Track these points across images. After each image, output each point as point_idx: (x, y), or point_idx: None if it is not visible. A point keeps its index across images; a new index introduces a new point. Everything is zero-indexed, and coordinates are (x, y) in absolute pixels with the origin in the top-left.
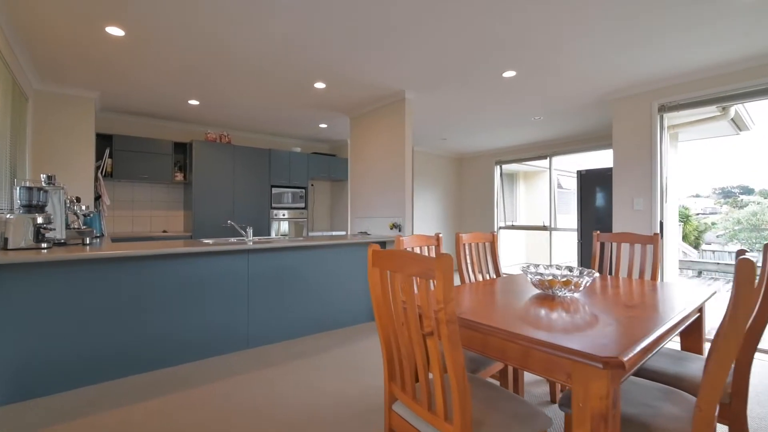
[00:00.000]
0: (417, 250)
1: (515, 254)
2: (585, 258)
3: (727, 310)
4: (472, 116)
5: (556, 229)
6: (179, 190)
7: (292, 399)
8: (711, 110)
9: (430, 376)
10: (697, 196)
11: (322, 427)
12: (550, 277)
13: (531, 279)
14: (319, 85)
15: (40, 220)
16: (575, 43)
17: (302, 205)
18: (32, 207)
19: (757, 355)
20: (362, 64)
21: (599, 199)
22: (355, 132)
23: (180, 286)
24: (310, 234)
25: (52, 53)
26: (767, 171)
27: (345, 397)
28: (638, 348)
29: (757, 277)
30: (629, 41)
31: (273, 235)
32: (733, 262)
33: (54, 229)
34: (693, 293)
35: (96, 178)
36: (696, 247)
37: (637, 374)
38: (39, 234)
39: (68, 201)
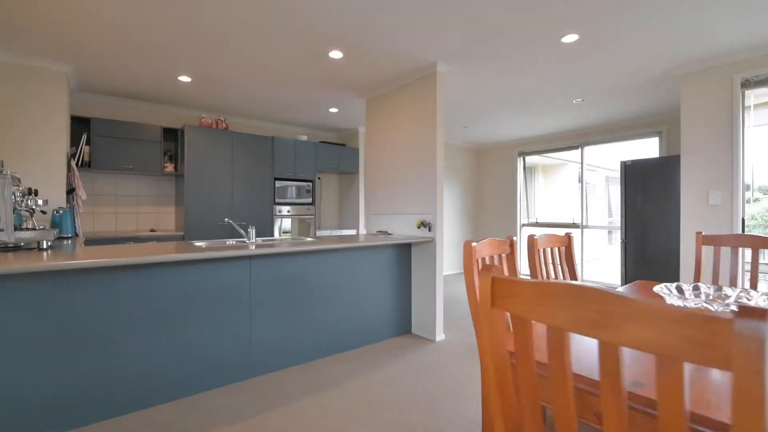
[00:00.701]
0: (489, 260)
1: None
2: (630, 261)
3: None
4: (507, 98)
5: (587, 227)
6: (169, 182)
7: None
8: None
9: None
10: None
11: None
12: (723, 308)
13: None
14: (335, 54)
15: None
16: None
17: (309, 200)
18: None
19: None
20: (388, 27)
21: (646, 194)
22: (372, 116)
23: (165, 303)
24: (318, 233)
25: (9, 12)
26: None
27: None
28: None
29: None
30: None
31: (276, 234)
32: None
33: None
34: None
35: (69, 168)
36: None
37: None
38: None
39: (20, 193)
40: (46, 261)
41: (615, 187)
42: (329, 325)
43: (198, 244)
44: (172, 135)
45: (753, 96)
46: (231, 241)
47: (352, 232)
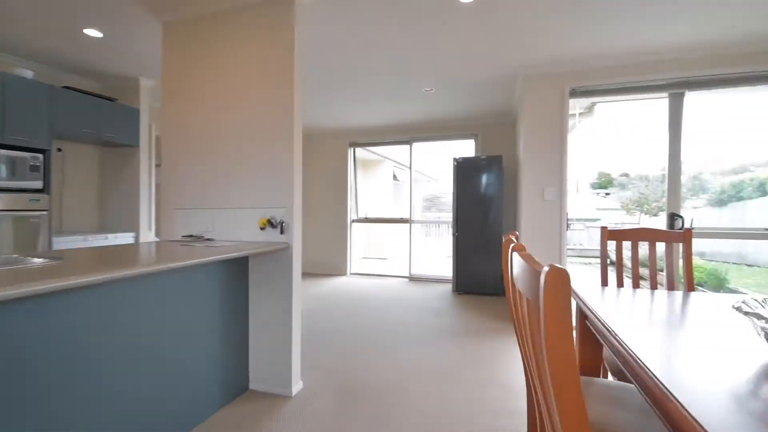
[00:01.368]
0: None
1: (358, 249)
2: (461, 254)
3: None
4: (360, 69)
5: (415, 221)
6: None
7: None
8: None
9: None
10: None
11: None
12: None
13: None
14: None
15: None
16: None
17: (37, 184)
18: None
19: None
20: None
21: (476, 190)
22: (174, 52)
23: None
24: (57, 242)
25: None
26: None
27: None
28: None
29: None
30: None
31: None
32: None
33: None
34: None
35: None
36: None
37: None
38: None
39: None
40: None
41: (428, 184)
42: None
43: None
44: None
45: (578, 104)
46: None
47: (128, 238)
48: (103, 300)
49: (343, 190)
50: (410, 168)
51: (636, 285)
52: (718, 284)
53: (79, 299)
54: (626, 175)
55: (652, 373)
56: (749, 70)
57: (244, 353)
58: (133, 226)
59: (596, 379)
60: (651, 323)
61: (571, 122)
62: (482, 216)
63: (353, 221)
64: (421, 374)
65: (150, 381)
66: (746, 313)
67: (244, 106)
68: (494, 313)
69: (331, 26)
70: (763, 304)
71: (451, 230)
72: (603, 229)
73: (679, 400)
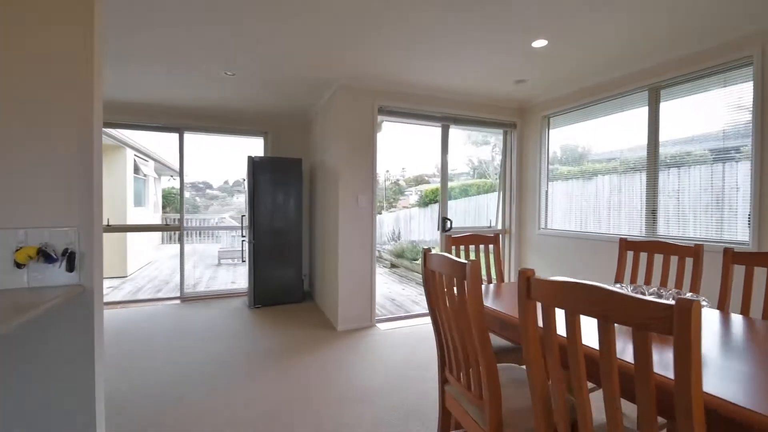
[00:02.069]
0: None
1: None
2: (259, 264)
3: None
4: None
5: (189, 228)
6: None
7: None
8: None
9: None
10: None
11: None
12: None
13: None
14: None
15: None
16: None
17: None
18: None
19: None
20: None
21: (275, 193)
22: None
23: None
24: None
25: None
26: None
27: None
28: None
29: None
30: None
31: None
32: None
33: None
34: None
35: None
36: None
37: None
38: None
39: None
40: None
41: (166, 182)
42: None
43: None
44: None
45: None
46: None
47: None
48: None
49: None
50: (181, 162)
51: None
52: None
53: None
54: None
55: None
56: (490, 116)
57: None
58: None
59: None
60: None
61: None
62: (282, 221)
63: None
64: (251, 423)
65: None
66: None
67: None
68: (303, 321)
69: None
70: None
71: (244, 236)
72: (622, 240)
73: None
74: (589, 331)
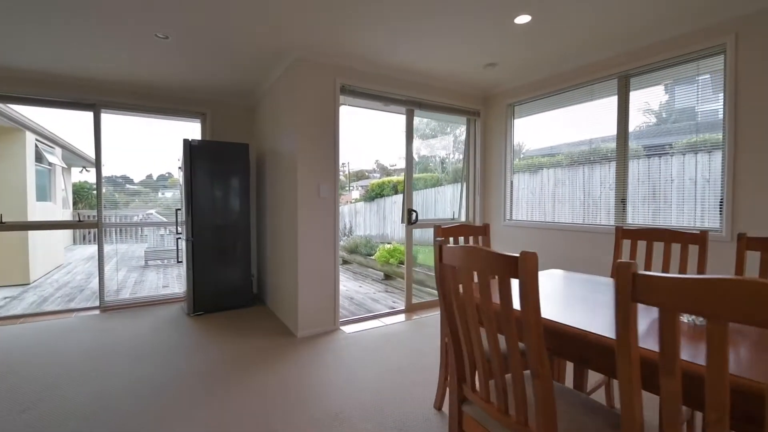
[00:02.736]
0: None
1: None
2: (200, 265)
3: None
4: None
5: (109, 225)
6: None
7: None
8: None
9: None
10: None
11: None
12: None
13: None
14: None
15: None
16: None
17: None
18: None
19: None
20: None
21: (217, 184)
22: None
23: None
24: None
25: None
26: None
27: None
28: None
29: None
30: None
31: None
32: None
33: None
34: None
35: None
36: None
37: None
38: None
39: None
40: None
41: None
42: None
43: None
44: None
45: (347, 101)
46: None
47: None
48: None
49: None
50: (97, 145)
51: None
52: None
53: None
54: None
55: None
56: (454, 103)
57: None
58: None
59: None
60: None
61: None
62: (226, 215)
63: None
64: None
65: None
66: None
67: None
68: (256, 329)
69: None
70: None
71: (179, 234)
72: (618, 228)
73: None
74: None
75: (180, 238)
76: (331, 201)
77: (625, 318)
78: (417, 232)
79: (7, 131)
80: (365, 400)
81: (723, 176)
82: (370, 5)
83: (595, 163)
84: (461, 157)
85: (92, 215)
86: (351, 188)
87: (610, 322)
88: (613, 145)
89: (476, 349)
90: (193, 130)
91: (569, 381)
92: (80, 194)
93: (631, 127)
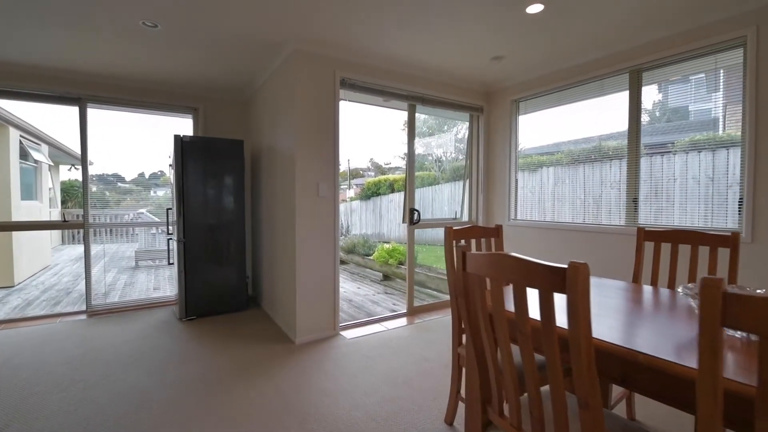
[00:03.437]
0: None
1: None
2: (192, 267)
3: None
4: None
5: (96, 225)
6: None
7: None
8: None
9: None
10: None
11: None
12: None
13: None
14: None
15: None
16: None
17: None
18: None
19: None
20: None
21: (211, 182)
22: None
23: None
24: None
25: None
26: None
27: None
28: None
29: None
30: None
31: None
32: None
33: None
34: None
35: None
36: None
37: None
38: None
39: None
40: None
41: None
42: None
43: None
44: None
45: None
46: None
47: None
48: None
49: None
50: (83, 142)
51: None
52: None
53: None
54: None
55: None
56: (457, 98)
57: None
58: None
59: None
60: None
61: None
62: (220, 215)
63: None
64: None
65: None
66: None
67: None
68: (251, 335)
69: None
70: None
71: (170, 234)
72: (640, 229)
73: None
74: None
75: (171, 238)
76: (330, 200)
77: (711, 347)
78: (416, 231)
79: None
80: (370, 412)
81: (742, 174)
82: None
83: (604, 161)
84: (460, 155)
85: (80, 215)
86: (347, 186)
87: (648, 336)
88: (622, 142)
89: (507, 370)
90: (184, 125)
91: None
92: (70, 193)
93: (648, 121)
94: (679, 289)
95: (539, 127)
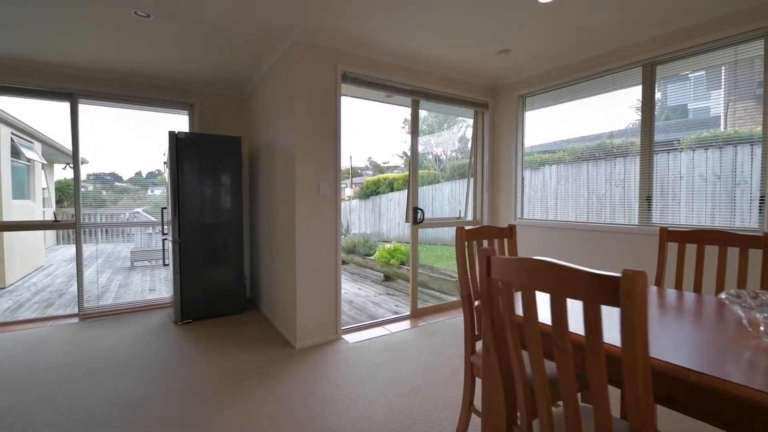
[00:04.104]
0: None
1: None
2: (188, 268)
3: None
4: None
5: (88, 225)
6: None
7: None
8: None
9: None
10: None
11: None
12: None
13: None
14: None
15: None
16: None
17: None
18: None
19: None
20: None
21: (207, 181)
22: None
23: None
24: None
25: None
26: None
27: None
28: None
29: None
30: None
31: None
32: None
33: None
34: None
35: None
36: None
37: None
38: None
39: None
40: None
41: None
42: None
43: None
44: None
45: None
46: None
47: None
48: None
49: None
50: (74, 138)
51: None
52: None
53: None
54: None
55: None
56: (461, 94)
57: None
58: None
59: None
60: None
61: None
62: (217, 214)
63: None
64: None
65: None
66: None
67: None
68: (250, 339)
69: None
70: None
71: (165, 234)
72: (663, 229)
73: None
74: None
75: (166, 239)
76: (332, 199)
77: None
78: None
79: None
80: (377, 424)
81: (763, 171)
82: None
83: (615, 158)
84: (461, 153)
85: (72, 214)
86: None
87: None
88: (631, 139)
89: (540, 386)
90: (180, 122)
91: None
92: (65, 192)
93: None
94: (722, 295)
95: (547, 124)
